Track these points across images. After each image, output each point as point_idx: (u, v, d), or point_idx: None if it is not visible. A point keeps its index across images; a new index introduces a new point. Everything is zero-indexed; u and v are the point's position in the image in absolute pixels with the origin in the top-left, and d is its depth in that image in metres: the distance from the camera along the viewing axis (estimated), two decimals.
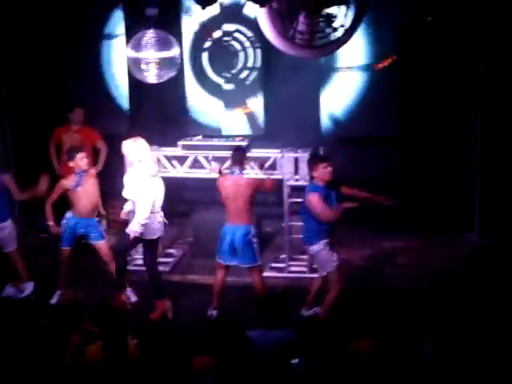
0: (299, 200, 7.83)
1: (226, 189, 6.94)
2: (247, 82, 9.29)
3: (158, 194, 7.04)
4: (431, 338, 4.84)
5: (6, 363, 4.71)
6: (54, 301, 6.96)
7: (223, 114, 9.34)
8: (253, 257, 6.94)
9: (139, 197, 6.90)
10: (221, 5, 8.88)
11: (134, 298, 7.41)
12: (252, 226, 6.97)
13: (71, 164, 7.28)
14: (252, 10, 8.67)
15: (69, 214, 7.37)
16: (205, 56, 9.33)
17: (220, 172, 7.19)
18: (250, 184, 6.96)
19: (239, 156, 7.03)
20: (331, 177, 6.57)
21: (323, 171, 6.54)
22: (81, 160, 7.22)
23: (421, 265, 8.06)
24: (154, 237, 7.07)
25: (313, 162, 6.72)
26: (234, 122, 9.28)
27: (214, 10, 8.82)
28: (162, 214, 7.08)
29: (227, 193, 6.92)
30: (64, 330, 5.39)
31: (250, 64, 9.22)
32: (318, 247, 6.61)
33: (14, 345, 4.86)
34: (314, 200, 6.49)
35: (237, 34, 9.16)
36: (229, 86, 9.33)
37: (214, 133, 8.95)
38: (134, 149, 7.02)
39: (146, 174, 6.96)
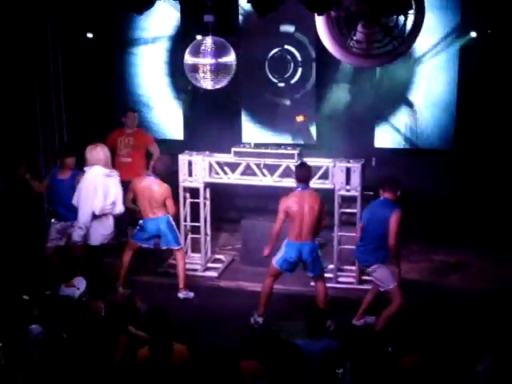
0: (349, 210, 7.85)
1: (294, 206, 6.77)
2: (301, 93, 9.28)
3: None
4: (487, 356, 4.76)
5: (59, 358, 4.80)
6: None
7: (276, 122, 9.35)
8: (321, 267, 6.98)
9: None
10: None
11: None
12: (316, 242, 6.91)
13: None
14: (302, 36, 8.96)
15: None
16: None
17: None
18: (318, 200, 6.83)
19: (304, 173, 6.93)
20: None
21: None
22: None
23: (475, 281, 7.94)
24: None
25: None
26: (287, 131, 9.29)
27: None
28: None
29: (295, 210, 6.75)
30: (114, 329, 5.46)
31: (303, 75, 9.22)
32: (376, 267, 6.57)
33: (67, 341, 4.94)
34: (399, 219, 6.43)
35: (292, 49, 9.18)
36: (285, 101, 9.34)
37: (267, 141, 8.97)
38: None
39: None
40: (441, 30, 8.47)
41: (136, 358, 5.01)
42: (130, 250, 7.68)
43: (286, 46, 9.16)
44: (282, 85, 9.24)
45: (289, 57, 9.16)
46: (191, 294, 7.65)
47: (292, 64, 9.17)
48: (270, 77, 9.27)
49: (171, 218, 7.54)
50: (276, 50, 9.19)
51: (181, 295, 7.60)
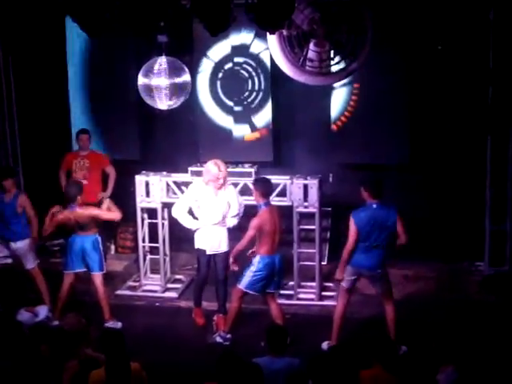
0: (307, 227, 7.89)
1: (271, 221, 6.85)
2: (256, 109, 9.29)
3: None
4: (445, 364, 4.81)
5: None
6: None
7: (233, 141, 9.34)
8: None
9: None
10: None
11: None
12: None
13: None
14: (258, 47, 8.90)
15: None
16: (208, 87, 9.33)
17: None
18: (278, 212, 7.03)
19: (269, 187, 7.05)
20: None
21: None
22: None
23: (431, 293, 8.04)
24: None
25: None
26: (244, 148, 9.29)
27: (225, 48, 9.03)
28: None
29: (271, 225, 6.84)
30: (63, 355, 5.34)
31: (258, 91, 9.22)
32: None
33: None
34: None
35: (245, 65, 9.16)
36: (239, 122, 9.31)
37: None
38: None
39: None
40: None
41: (89, 381, 4.90)
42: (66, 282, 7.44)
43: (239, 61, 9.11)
44: (238, 108, 9.20)
45: (243, 75, 9.18)
46: (119, 324, 7.33)
47: (246, 83, 9.19)
48: (223, 96, 9.26)
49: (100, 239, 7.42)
50: (228, 67, 9.14)
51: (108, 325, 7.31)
